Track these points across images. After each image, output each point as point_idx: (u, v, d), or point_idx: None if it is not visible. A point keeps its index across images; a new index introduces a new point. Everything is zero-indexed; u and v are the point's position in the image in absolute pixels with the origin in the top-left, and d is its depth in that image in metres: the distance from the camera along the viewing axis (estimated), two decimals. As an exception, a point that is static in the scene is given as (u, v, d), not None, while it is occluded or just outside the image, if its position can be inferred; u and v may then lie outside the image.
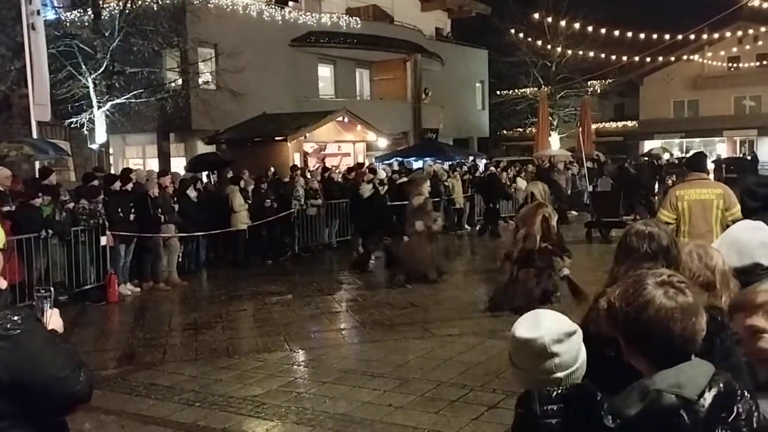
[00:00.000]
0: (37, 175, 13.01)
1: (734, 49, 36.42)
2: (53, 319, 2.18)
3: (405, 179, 17.29)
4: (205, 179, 16.90)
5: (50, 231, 9.94)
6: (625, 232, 2.60)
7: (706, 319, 1.77)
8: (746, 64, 38.17)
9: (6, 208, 9.44)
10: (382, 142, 24.32)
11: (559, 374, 1.91)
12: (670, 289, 1.76)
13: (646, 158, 30.48)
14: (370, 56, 28.76)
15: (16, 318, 2.00)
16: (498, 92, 40.01)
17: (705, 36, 29.50)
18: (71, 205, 10.59)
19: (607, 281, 2.59)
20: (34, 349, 2.00)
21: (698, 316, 1.75)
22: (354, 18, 27.73)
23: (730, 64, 38.56)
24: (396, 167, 20.86)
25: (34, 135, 13.16)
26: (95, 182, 11.44)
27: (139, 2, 18.59)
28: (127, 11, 18.09)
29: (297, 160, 19.95)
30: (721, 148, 41.27)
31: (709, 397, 1.65)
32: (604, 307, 1.84)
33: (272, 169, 16.45)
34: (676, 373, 1.69)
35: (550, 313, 2.01)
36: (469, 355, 7.20)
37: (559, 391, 1.88)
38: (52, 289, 2.26)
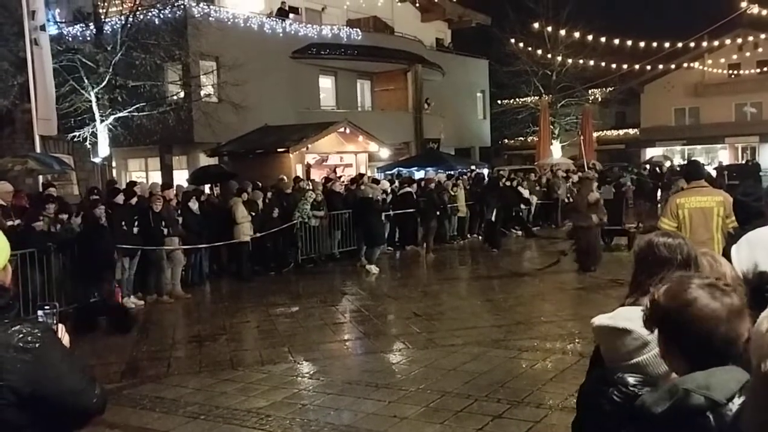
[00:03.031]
0: (41, 190, 13.08)
1: (734, 57, 36.46)
2: (61, 334, 2.21)
3: (408, 189, 17.40)
4: (207, 191, 16.94)
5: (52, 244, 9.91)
6: (649, 244, 2.62)
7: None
8: (747, 71, 38.24)
9: (9, 223, 9.44)
10: (384, 153, 24.38)
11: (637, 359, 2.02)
12: (716, 290, 1.78)
13: (648, 166, 30.48)
14: (371, 67, 28.86)
15: (36, 331, 2.03)
16: (499, 102, 40.08)
17: (705, 43, 29.55)
18: (64, 217, 10.57)
19: (634, 292, 2.62)
20: (53, 362, 2.04)
21: (743, 319, 1.76)
22: (354, 29, 27.84)
23: (730, 71, 38.60)
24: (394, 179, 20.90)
25: (38, 149, 13.21)
26: (96, 196, 11.47)
27: (141, 16, 18.69)
28: (129, 25, 18.17)
29: (299, 171, 20.00)
30: (722, 155, 41.23)
31: (738, 403, 1.65)
32: (647, 306, 1.86)
33: (284, 178, 16.51)
34: (707, 375, 1.69)
35: (638, 313, 2.09)
36: (473, 365, 7.20)
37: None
38: (56, 304, 2.29)
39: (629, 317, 1.97)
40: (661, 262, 2.52)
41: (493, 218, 16.89)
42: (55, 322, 2.21)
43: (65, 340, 2.21)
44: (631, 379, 1.89)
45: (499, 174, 21.65)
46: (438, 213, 17.11)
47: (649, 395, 1.76)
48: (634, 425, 1.77)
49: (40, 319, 2.20)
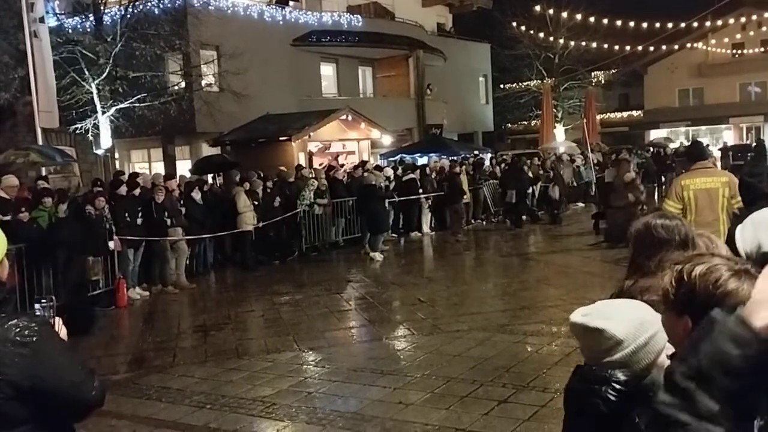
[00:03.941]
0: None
1: (738, 36, 36.19)
2: (58, 328, 2.21)
3: (412, 176, 17.36)
4: (210, 181, 16.94)
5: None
6: (647, 226, 2.63)
7: None
8: (751, 51, 37.95)
9: (9, 217, 9.44)
10: (387, 140, 24.31)
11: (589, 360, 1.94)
12: (752, 280, 1.74)
13: (651, 148, 30.35)
14: (372, 54, 28.73)
15: (33, 325, 2.03)
16: (501, 86, 39.88)
17: (708, 23, 29.35)
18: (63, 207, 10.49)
19: (633, 274, 2.61)
20: (51, 355, 2.04)
21: None
22: (355, 16, 27.71)
23: (734, 51, 38.32)
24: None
25: (39, 142, 13.19)
26: (100, 188, 11.45)
27: (140, 6, 18.62)
28: (129, 16, 18.12)
29: (302, 159, 19.97)
30: (727, 136, 41.03)
31: None
32: (673, 285, 1.79)
33: (284, 168, 16.49)
34: None
35: (616, 307, 2.00)
36: (479, 351, 7.20)
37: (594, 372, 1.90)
38: (53, 297, 2.28)
39: (606, 314, 1.92)
40: (659, 243, 2.52)
41: (513, 200, 17.90)
42: (52, 315, 2.21)
43: (62, 333, 2.20)
44: (621, 376, 1.85)
45: (521, 158, 21.81)
46: (463, 197, 17.40)
47: (659, 376, 1.73)
48: (641, 406, 1.74)
49: (38, 313, 2.20)
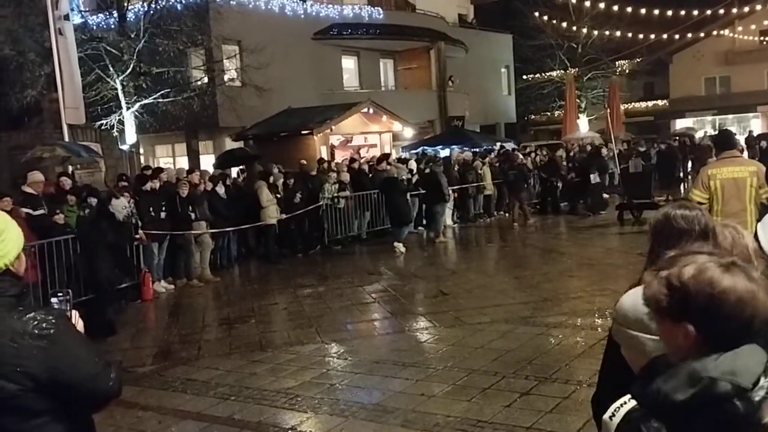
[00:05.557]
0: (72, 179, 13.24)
1: (766, 22, 35.51)
2: (75, 320, 2.25)
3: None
4: (234, 175, 17.06)
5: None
6: (666, 216, 2.58)
7: None
8: (779, 37, 37.29)
9: (39, 212, 9.59)
10: (408, 132, 24.28)
11: None
12: (742, 271, 1.69)
13: (677, 138, 29.94)
14: (394, 46, 28.69)
15: (50, 318, 2.06)
16: (524, 77, 39.58)
17: (735, 10, 28.89)
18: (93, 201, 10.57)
19: (651, 265, 2.58)
20: (69, 347, 2.07)
21: None
22: (376, 8, 27.66)
23: (761, 38, 37.62)
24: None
25: (66, 138, 13.39)
26: (125, 183, 11.59)
27: (163, 2, 18.77)
28: (152, 12, 18.29)
29: (324, 153, 20.03)
30: (755, 124, 40.27)
31: (765, 385, 1.58)
32: (664, 292, 1.70)
33: (305, 161, 16.54)
34: (732, 360, 1.60)
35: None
36: (501, 343, 7.19)
37: None
38: (70, 291, 2.32)
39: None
40: (679, 234, 2.49)
41: (598, 180, 18.14)
42: (68, 308, 2.24)
43: (79, 325, 2.24)
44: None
45: (601, 144, 22.04)
46: (527, 185, 17.68)
47: (663, 382, 1.67)
48: (650, 413, 1.69)
49: (55, 306, 2.24)
